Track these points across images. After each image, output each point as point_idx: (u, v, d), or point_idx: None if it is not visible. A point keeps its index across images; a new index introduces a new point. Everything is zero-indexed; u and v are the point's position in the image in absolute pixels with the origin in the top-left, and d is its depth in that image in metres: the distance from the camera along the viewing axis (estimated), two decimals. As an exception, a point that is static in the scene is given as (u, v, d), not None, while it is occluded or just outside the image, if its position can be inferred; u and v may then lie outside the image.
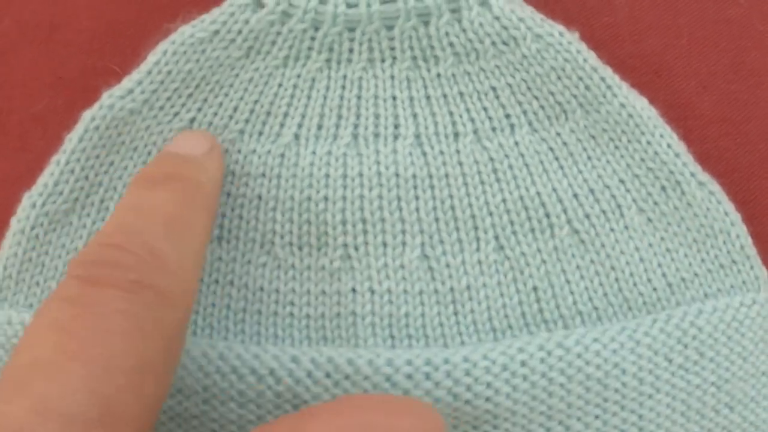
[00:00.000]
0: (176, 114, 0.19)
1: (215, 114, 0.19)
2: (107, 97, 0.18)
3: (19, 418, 0.13)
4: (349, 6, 0.18)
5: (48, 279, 0.19)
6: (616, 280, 0.18)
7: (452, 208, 0.18)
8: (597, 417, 0.17)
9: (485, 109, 0.19)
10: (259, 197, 0.19)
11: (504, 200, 0.18)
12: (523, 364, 0.17)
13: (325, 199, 0.18)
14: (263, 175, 0.19)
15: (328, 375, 0.16)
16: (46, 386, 0.13)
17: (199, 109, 0.19)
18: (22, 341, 0.14)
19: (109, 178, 0.19)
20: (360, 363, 0.16)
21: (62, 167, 0.19)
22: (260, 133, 0.19)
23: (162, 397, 0.14)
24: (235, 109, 0.19)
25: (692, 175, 0.18)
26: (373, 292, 0.18)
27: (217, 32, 0.19)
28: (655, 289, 0.18)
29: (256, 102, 0.19)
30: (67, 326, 0.14)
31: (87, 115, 0.19)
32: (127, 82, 0.19)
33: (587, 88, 0.19)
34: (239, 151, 0.19)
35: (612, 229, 0.19)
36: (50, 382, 0.13)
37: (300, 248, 0.19)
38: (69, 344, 0.13)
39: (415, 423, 0.13)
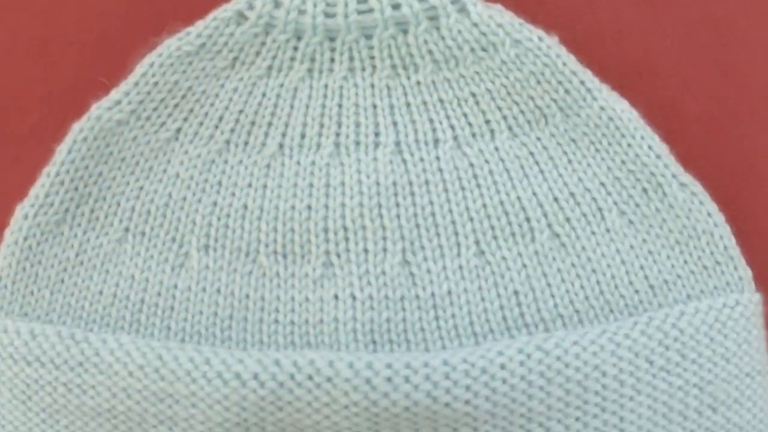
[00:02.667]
0: (163, 124, 0.21)
1: (201, 124, 0.21)
2: (95, 109, 0.20)
3: None
4: (327, 16, 0.20)
5: (42, 288, 0.21)
6: (597, 283, 0.20)
7: (432, 214, 0.20)
8: (577, 419, 0.18)
9: (465, 115, 0.20)
10: (245, 207, 0.20)
11: (484, 205, 0.20)
12: (502, 367, 0.18)
13: (309, 208, 0.20)
14: (249, 185, 0.20)
15: (310, 377, 0.18)
16: None
17: (185, 119, 0.21)
18: None
19: (98, 188, 0.21)
20: (340, 366, 0.18)
21: (52, 179, 0.20)
22: (246, 144, 0.21)
23: None
24: (221, 119, 0.21)
25: (674, 176, 0.20)
26: (354, 298, 0.19)
27: (203, 45, 0.20)
28: (636, 292, 0.20)
29: (240, 112, 0.21)
30: None
31: (76, 127, 0.20)
32: (114, 94, 0.20)
33: (567, 92, 0.20)
34: (226, 162, 0.21)
35: (593, 232, 0.20)
36: None
37: (284, 256, 0.20)
38: None
39: None
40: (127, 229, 0.21)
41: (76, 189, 0.21)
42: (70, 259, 0.21)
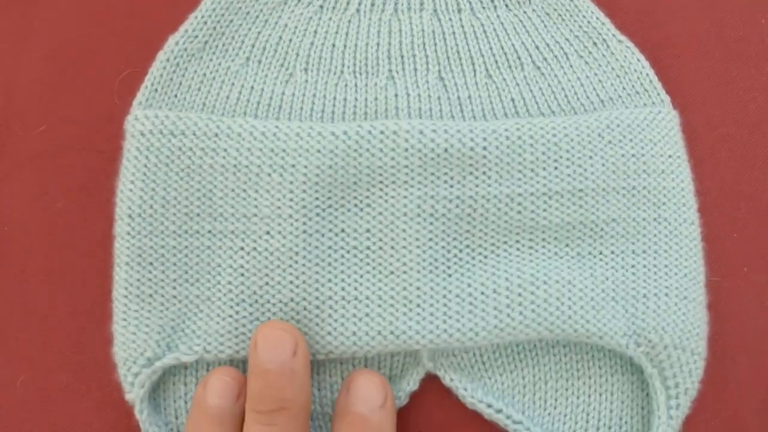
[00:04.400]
0: (277, -8, 0.32)
1: (303, -5, 0.32)
2: (232, -20, 0.31)
3: None
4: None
5: (184, 92, 0.31)
6: (566, 96, 0.31)
7: (458, 51, 0.31)
8: (556, 168, 0.29)
9: (478, -4, 0.32)
10: (333, 45, 0.31)
11: (491, 48, 0.31)
12: (506, 130, 0.29)
13: (377, 44, 0.31)
14: (336, 32, 0.32)
15: (382, 132, 0.28)
16: None
17: (292, -9, 0.32)
18: None
19: (229, 29, 0.31)
20: (402, 124, 0.29)
21: (198, 19, 0.31)
22: (334, 7, 0.32)
23: None
24: (317, -9, 0.32)
25: (614, 35, 0.32)
26: (408, 95, 0.30)
27: None
28: (592, 102, 0.31)
29: (330, -13, 0.32)
30: None
31: (218, -11, 0.31)
32: (245, -29, 0.31)
33: (543, -17, 0.32)
34: (320, 18, 0.32)
35: (562, 67, 0.31)
36: None
37: (361, 73, 0.31)
38: None
39: None
40: (248, 58, 0.31)
41: (214, 28, 0.31)
42: (206, 75, 0.31)
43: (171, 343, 0.29)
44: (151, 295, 0.29)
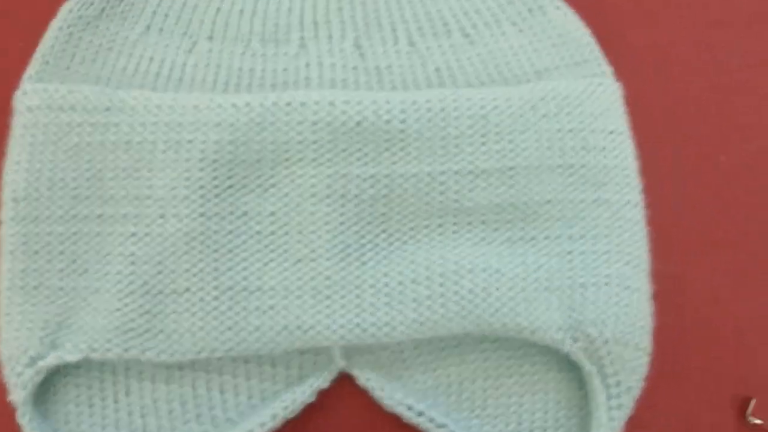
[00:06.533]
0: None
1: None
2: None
3: None
4: None
5: (77, 64, 0.28)
6: (496, 66, 0.29)
7: (378, 16, 0.29)
8: (483, 144, 0.26)
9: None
10: (241, 11, 0.29)
11: (415, 13, 0.29)
12: (427, 101, 0.27)
13: (289, 8, 0.29)
14: (244, -1, 0.29)
15: (288, 104, 0.26)
16: None
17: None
18: None
19: None
20: (312, 95, 0.26)
21: None
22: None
23: None
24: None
25: (551, 0, 0.29)
26: (321, 65, 0.28)
27: None
28: (525, 73, 0.29)
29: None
30: None
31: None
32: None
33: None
34: (228, -18, 0.29)
35: (492, 35, 0.29)
36: None
37: (270, 41, 0.29)
38: None
39: None
40: (148, 26, 0.29)
41: (112, -5, 0.29)
42: (102, 45, 0.29)
43: (56, 340, 0.27)
44: (35, 287, 0.27)
